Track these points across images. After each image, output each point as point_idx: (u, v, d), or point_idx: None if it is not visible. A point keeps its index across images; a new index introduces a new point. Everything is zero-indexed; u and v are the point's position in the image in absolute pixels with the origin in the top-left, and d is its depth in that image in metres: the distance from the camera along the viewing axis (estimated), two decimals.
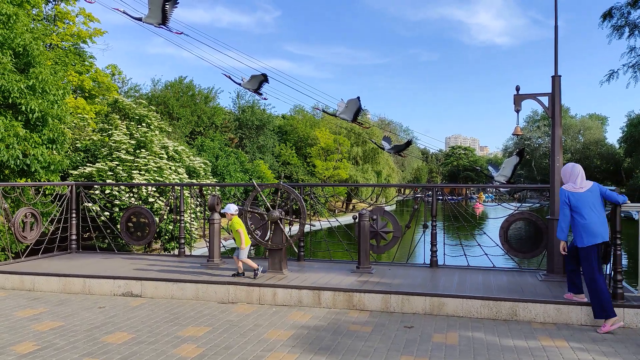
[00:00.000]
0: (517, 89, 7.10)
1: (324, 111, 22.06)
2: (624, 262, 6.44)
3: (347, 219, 20.35)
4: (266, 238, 7.30)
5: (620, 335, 5.24)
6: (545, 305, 5.73)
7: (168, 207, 10.85)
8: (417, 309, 6.04)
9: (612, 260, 5.73)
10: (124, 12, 9.85)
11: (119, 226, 9.62)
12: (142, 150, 18.32)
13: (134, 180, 16.61)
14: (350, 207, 50.94)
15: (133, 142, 18.46)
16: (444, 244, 8.15)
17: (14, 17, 12.06)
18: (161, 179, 17.46)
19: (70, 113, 15.80)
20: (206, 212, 9.75)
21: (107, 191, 16.08)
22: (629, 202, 5.65)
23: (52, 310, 6.18)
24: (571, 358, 4.57)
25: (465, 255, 7.94)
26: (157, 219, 9.41)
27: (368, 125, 46.12)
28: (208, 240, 7.90)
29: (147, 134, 19.28)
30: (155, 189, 17.12)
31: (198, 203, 14.12)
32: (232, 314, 6.01)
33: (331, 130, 48.62)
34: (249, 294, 6.51)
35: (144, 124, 20.58)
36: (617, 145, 66.22)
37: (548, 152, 62.47)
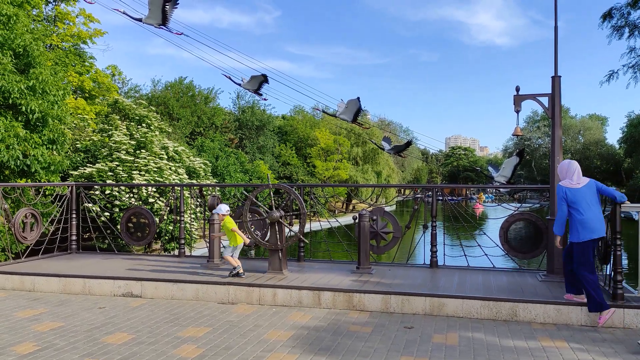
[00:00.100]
0: (517, 89, 7.11)
1: (324, 112, 22.07)
2: (624, 262, 6.43)
3: (347, 219, 20.34)
4: (266, 238, 7.30)
5: (620, 335, 5.24)
6: (545, 305, 5.73)
7: (168, 208, 10.86)
8: (417, 310, 6.04)
9: (612, 261, 5.74)
10: (124, 13, 9.85)
11: (119, 227, 9.63)
12: (142, 150, 18.31)
13: (134, 181, 16.60)
14: (350, 207, 50.94)
15: (133, 142, 18.45)
16: (444, 244, 8.16)
17: (14, 17, 12.06)
18: (161, 180, 17.45)
19: (71, 114, 15.79)
20: (206, 213, 9.75)
21: (107, 192, 16.07)
22: (628, 202, 5.66)
23: (52, 310, 6.18)
24: (571, 358, 4.57)
25: (465, 255, 7.94)
26: (157, 219, 9.41)
27: (368, 126, 46.12)
28: (208, 240, 7.90)
29: (147, 135, 19.27)
30: (155, 190, 17.12)
31: (198, 203, 14.12)
32: (232, 314, 6.01)
33: (331, 131, 48.63)
34: (249, 294, 6.51)
35: (144, 125, 20.57)
36: (617, 146, 66.19)
37: (548, 153, 62.50)
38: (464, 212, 8.79)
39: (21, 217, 8.25)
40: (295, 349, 4.76)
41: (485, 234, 8.69)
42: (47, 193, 11.56)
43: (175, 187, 9.51)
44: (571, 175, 5.68)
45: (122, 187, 16.40)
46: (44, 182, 12.02)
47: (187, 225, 15.58)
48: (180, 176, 18.78)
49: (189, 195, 10.25)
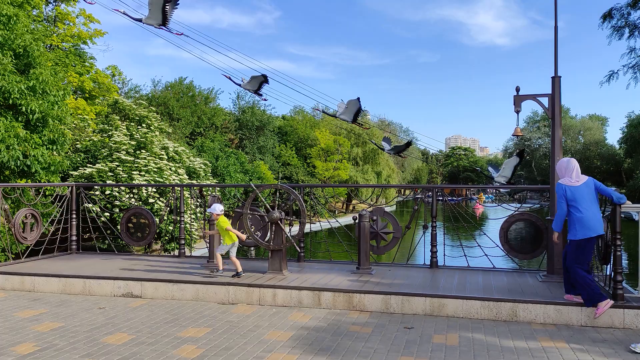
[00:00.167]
0: (517, 89, 7.10)
1: (324, 112, 22.08)
2: (624, 262, 6.44)
3: (347, 219, 20.34)
4: (266, 239, 7.30)
5: (620, 336, 5.24)
6: (546, 306, 5.73)
7: (168, 208, 10.86)
8: (417, 310, 6.04)
9: (612, 261, 5.74)
10: (124, 13, 9.86)
11: (119, 227, 9.63)
12: (142, 151, 18.32)
13: (134, 181, 16.60)
14: (351, 207, 50.96)
15: (133, 142, 18.45)
16: (444, 244, 8.16)
17: (15, 18, 12.06)
18: (161, 180, 17.45)
19: (71, 114, 15.75)
20: (206, 213, 9.75)
21: (107, 192, 16.07)
22: (629, 202, 5.66)
23: (52, 311, 6.18)
24: (571, 359, 4.57)
25: (465, 256, 7.94)
26: (157, 219, 9.42)
27: (368, 126, 46.15)
28: (208, 241, 7.91)
29: (147, 135, 19.27)
30: (155, 190, 17.12)
31: (198, 204, 14.12)
32: (232, 314, 6.01)
33: (331, 131, 48.65)
34: (249, 294, 6.51)
35: (144, 125, 20.58)
36: (617, 146, 66.15)
37: (548, 153, 62.47)
38: (464, 212, 8.79)
39: (21, 218, 8.25)
40: (295, 350, 4.76)
41: (485, 234, 8.68)
42: (47, 193, 11.55)
43: (175, 188, 9.51)
44: (570, 173, 5.68)
45: (122, 188, 16.40)
46: (44, 182, 12.01)
47: (187, 225, 15.58)
48: (180, 176, 18.79)
49: (189, 196, 10.25)
